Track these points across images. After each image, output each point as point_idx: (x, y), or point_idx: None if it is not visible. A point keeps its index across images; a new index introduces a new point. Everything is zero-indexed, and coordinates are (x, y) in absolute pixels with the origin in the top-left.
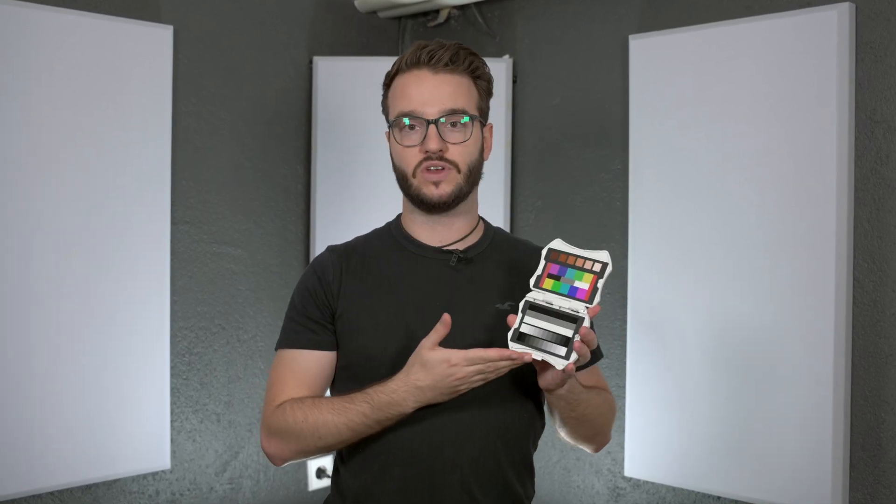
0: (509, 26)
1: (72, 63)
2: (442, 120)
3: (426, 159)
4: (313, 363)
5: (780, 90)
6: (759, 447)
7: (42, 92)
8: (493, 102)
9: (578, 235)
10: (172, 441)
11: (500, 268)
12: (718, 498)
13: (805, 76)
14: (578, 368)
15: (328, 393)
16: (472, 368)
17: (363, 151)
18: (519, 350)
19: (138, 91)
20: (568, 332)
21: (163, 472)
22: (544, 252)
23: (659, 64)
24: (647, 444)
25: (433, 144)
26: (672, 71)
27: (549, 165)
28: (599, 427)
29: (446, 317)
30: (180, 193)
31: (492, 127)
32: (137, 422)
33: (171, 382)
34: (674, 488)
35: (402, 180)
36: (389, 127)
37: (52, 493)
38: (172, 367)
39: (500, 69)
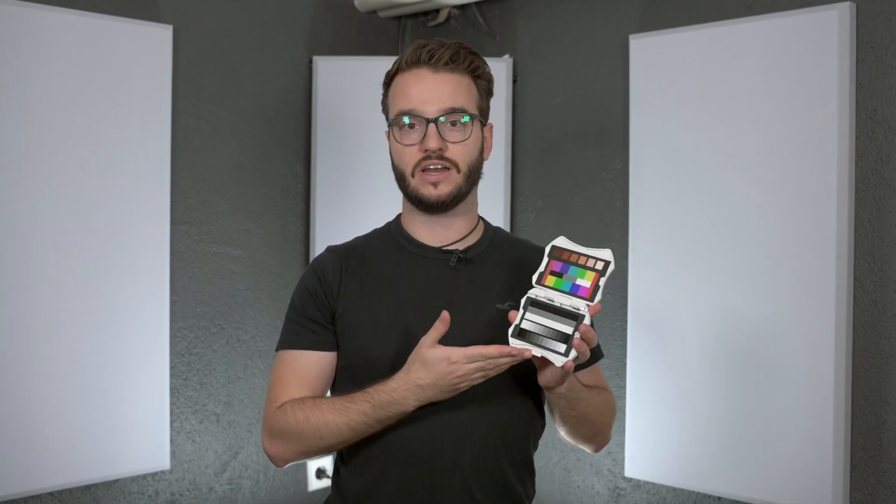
0: (509, 26)
1: (71, 63)
2: (441, 119)
3: (425, 158)
4: (314, 364)
5: (781, 90)
6: (760, 447)
7: (41, 91)
8: (493, 102)
9: (579, 235)
10: (172, 441)
11: (501, 268)
12: (719, 498)
13: (806, 76)
14: (578, 367)
15: (329, 393)
16: (472, 366)
17: (363, 151)
18: (519, 346)
19: (138, 90)
20: (568, 330)
21: (162, 472)
22: (548, 249)
23: (659, 63)
24: (647, 445)
25: (433, 143)
26: (672, 70)
27: (549, 165)
28: (599, 427)
29: (445, 314)
30: (180, 193)
31: (492, 127)
32: (137, 422)
33: (171, 383)
34: (674, 489)
35: (401, 180)
36: (389, 126)
37: (51, 494)
38: (172, 368)
39: (500, 69)
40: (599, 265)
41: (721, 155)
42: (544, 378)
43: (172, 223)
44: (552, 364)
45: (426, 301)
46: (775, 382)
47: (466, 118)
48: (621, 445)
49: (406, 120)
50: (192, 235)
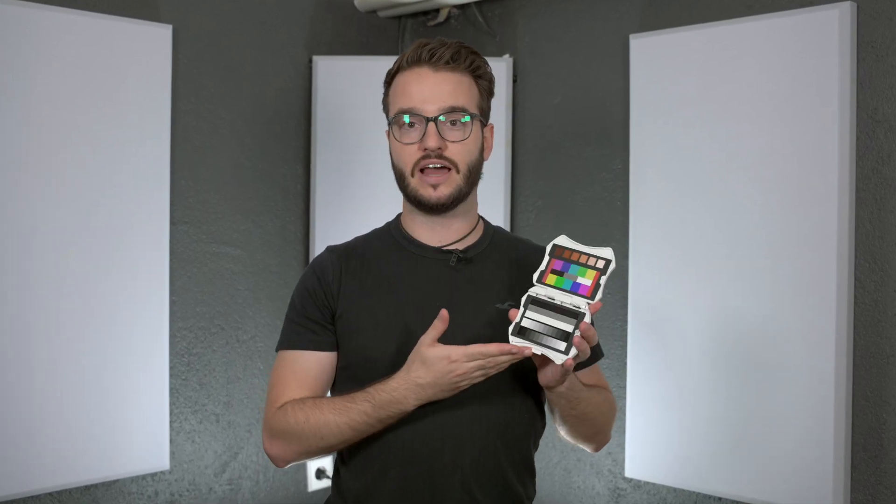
0: (510, 25)
1: (70, 62)
2: (441, 118)
3: (425, 157)
4: (314, 364)
5: (782, 90)
6: (761, 448)
7: (41, 91)
8: (493, 101)
9: (579, 235)
10: (171, 442)
11: (500, 267)
12: (719, 499)
13: (806, 75)
14: (579, 367)
15: (329, 393)
16: (472, 364)
17: (363, 151)
18: (519, 344)
19: (137, 90)
20: (568, 328)
21: (162, 472)
22: (549, 247)
23: (660, 63)
24: (647, 445)
25: (432, 142)
26: (673, 70)
27: (549, 165)
28: (600, 426)
29: (444, 312)
30: (179, 193)
31: (493, 127)
32: (136, 422)
33: (170, 383)
34: (675, 489)
35: (400, 179)
36: (389, 124)
37: (50, 494)
38: (171, 368)
39: (500, 68)
40: (600, 264)
41: (722, 155)
42: (545, 377)
43: (172, 223)
44: (552, 362)
45: (426, 301)
46: (776, 382)
47: (466, 118)
48: (621, 446)
49: (406, 118)
50: (192, 235)
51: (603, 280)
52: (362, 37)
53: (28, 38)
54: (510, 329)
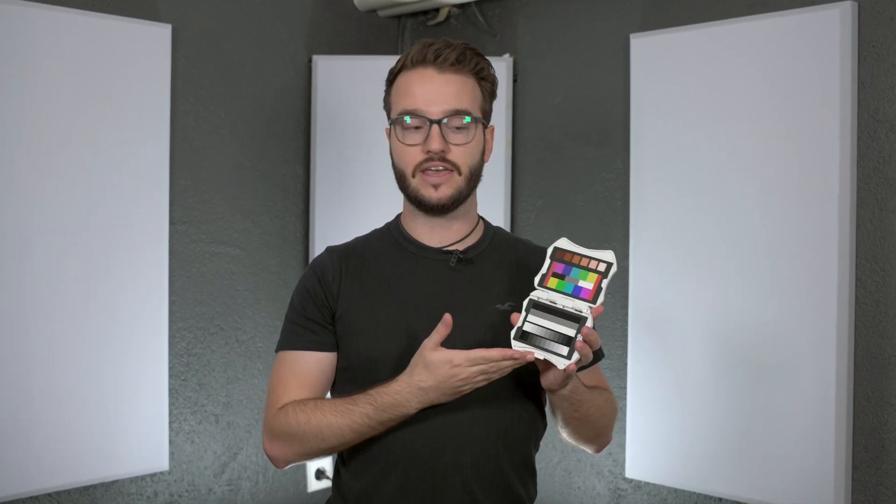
0: (510, 25)
1: (69, 62)
2: (445, 120)
3: (428, 160)
4: (314, 364)
5: (783, 89)
6: (761, 448)
7: (39, 91)
8: (493, 101)
9: (579, 235)
10: (171, 442)
11: (501, 268)
12: (720, 500)
13: (807, 75)
14: (580, 368)
15: (329, 394)
16: (474, 369)
17: (363, 151)
18: (521, 349)
19: (136, 90)
20: (570, 332)
21: (161, 473)
22: (550, 251)
23: (660, 63)
24: (648, 446)
25: (435, 145)
26: (674, 70)
27: (549, 165)
28: (602, 428)
29: (447, 317)
30: (179, 193)
31: (493, 129)
32: (135, 423)
33: (170, 383)
34: (675, 490)
35: (401, 179)
36: (391, 124)
37: (49, 495)
38: (171, 368)
39: (500, 68)
40: (602, 267)
41: (722, 154)
42: (547, 380)
43: (171, 223)
44: (555, 366)
45: (426, 301)
46: (777, 383)
47: (469, 120)
48: (622, 446)
49: (408, 120)
50: (191, 235)
51: (604, 283)
52: (362, 36)
53: (26, 37)
54: (512, 333)
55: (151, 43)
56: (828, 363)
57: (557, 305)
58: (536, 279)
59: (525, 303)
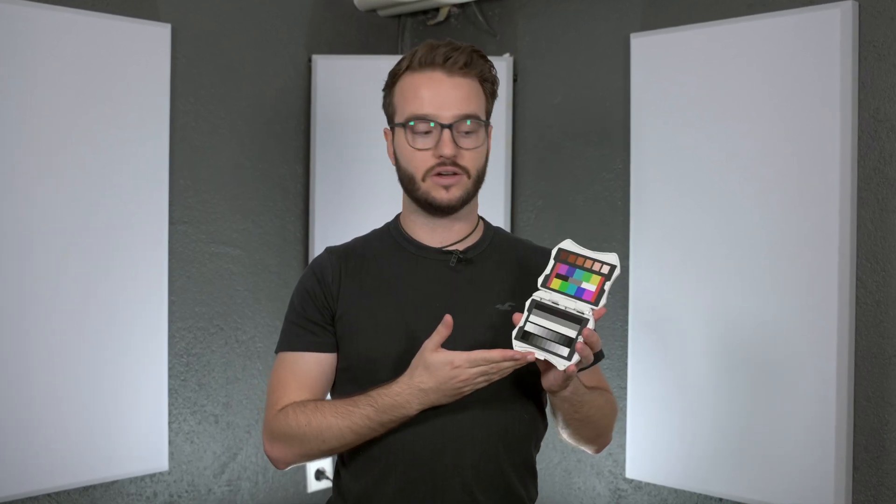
0: (510, 24)
1: (69, 62)
2: (453, 125)
3: (440, 164)
4: (314, 365)
5: (783, 89)
6: (762, 448)
7: (39, 91)
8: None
9: (580, 235)
10: (170, 442)
11: (501, 268)
12: (720, 500)
13: (808, 75)
14: (580, 369)
15: (329, 395)
16: (475, 370)
17: (363, 150)
18: (522, 350)
19: (136, 90)
20: (572, 333)
21: (160, 473)
22: (554, 252)
23: (661, 62)
24: (648, 446)
25: (448, 150)
26: (674, 70)
27: (549, 165)
28: (602, 428)
29: (448, 318)
30: (178, 193)
31: (492, 129)
32: (135, 423)
33: (169, 383)
34: (675, 490)
35: (410, 183)
36: (400, 127)
37: (49, 495)
38: (170, 368)
39: (500, 68)
40: (605, 269)
41: (722, 154)
42: (548, 381)
43: (171, 223)
44: (555, 367)
45: (426, 302)
46: (777, 383)
47: (479, 124)
48: (622, 447)
49: (419, 124)
50: (191, 235)
51: (608, 286)
52: (362, 36)
53: (26, 37)
54: (514, 334)
55: (151, 43)
56: (828, 363)
57: (559, 306)
58: (539, 280)
59: (527, 303)
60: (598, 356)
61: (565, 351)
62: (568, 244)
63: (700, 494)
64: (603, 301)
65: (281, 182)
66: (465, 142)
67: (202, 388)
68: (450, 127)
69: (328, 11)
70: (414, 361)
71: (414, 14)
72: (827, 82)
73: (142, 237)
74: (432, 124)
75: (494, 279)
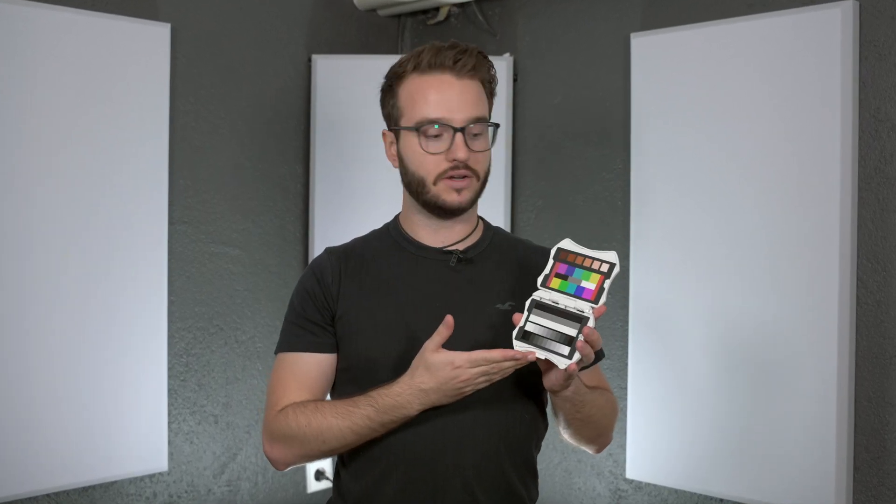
0: (510, 24)
1: (68, 61)
2: (465, 128)
3: (453, 168)
4: (314, 366)
5: (783, 89)
6: (762, 449)
7: (38, 91)
8: (494, 101)
9: (580, 235)
10: (170, 443)
11: (501, 268)
12: (721, 500)
13: (808, 75)
14: (581, 368)
15: (329, 396)
16: (476, 370)
17: (363, 150)
18: (523, 349)
19: (135, 90)
20: (572, 332)
21: (160, 474)
22: (553, 251)
23: (661, 62)
24: (648, 446)
25: (462, 154)
26: (674, 69)
27: (550, 164)
28: (603, 428)
29: (449, 318)
30: (178, 193)
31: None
32: (134, 423)
33: (169, 384)
34: (676, 490)
35: (420, 185)
36: (408, 130)
37: (48, 496)
38: (170, 369)
39: (500, 67)
40: (604, 267)
41: (723, 154)
42: (549, 381)
43: (171, 223)
44: (556, 367)
45: (426, 302)
46: (778, 383)
47: (488, 127)
48: (622, 447)
49: (432, 128)
50: (191, 235)
51: (607, 284)
52: (362, 35)
53: (25, 36)
54: (514, 333)
55: (151, 42)
56: (829, 363)
57: (559, 305)
58: (539, 279)
59: (527, 303)
60: (599, 355)
61: (566, 350)
62: (567, 243)
63: (700, 495)
64: (603, 299)
65: (281, 182)
66: (476, 144)
67: (202, 388)
68: (462, 130)
69: (328, 11)
70: (415, 362)
71: (414, 14)
72: (827, 82)
73: (141, 237)
74: (437, 126)
75: (494, 279)
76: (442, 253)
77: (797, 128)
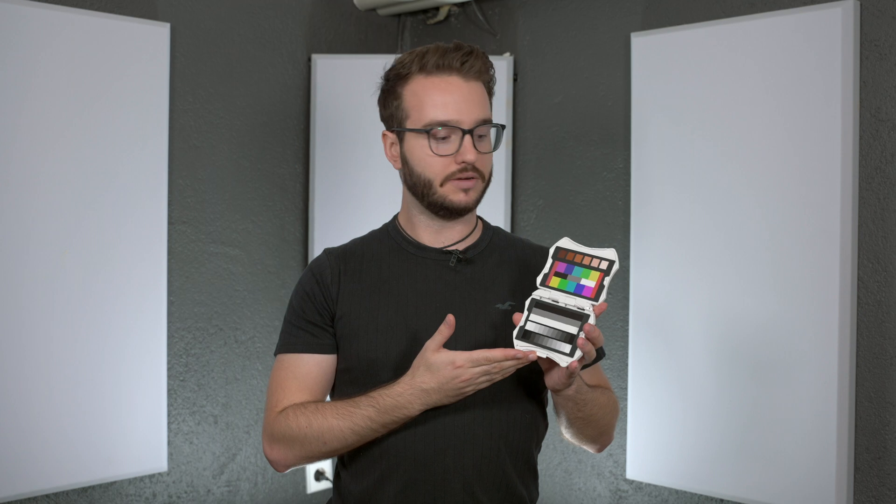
0: (510, 24)
1: (67, 61)
2: (473, 130)
3: (462, 170)
4: (314, 367)
5: (784, 88)
6: (763, 449)
7: (37, 90)
8: (493, 101)
9: (580, 235)
10: (169, 443)
11: (500, 267)
12: (721, 501)
13: (809, 74)
14: (582, 367)
15: (328, 397)
16: (477, 370)
17: (362, 150)
18: (524, 349)
19: (135, 89)
20: (573, 330)
21: (159, 474)
22: (552, 250)
23: (661, 62)
24: (649, 446)
25: (472, 156)
26: (674, 69)
27: (550, 164)
28: (605, 426)
29: (450, 318)
30: (177, 193)
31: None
32: (134, 424)
33: (168, 384)
34: (676, 491)
35: (426, 187)
36: (415, 132)
37: (47, 496)
38: (169, 369)
39: (500, 67)
40: (604, 265)
41: (723, 154)
42: (551, 380)
43: (170, 223)
44: (558, 365)
45: (426, 302)
46: (778, 383)
47: (492, 128)
48: (623, 447)
49: (440, 129)
50: (190, 235)
51: (607, 281)
52: (361, 35)
53: (24, 36)
54: (514, 333)
55: (150, 42)
56: (829, 364)
57: (560, 304)
58: (539, 278)
59: (527, 302)
60: (599, 354)
61: (567, 348)
62: (565, 242)
63: (701, 495)
64: (603, 296)
65: (280, 181)
66: (482, 146)
67: (201, 388)
68: (470, 132)
69: (328, 10)
70: (415, 362)
71: (414, 13)
72: (828, 81)
73: (140, 237)
74: (439, 129)
75: (494, 279)
76: (441, 253)
77: (798, 127)
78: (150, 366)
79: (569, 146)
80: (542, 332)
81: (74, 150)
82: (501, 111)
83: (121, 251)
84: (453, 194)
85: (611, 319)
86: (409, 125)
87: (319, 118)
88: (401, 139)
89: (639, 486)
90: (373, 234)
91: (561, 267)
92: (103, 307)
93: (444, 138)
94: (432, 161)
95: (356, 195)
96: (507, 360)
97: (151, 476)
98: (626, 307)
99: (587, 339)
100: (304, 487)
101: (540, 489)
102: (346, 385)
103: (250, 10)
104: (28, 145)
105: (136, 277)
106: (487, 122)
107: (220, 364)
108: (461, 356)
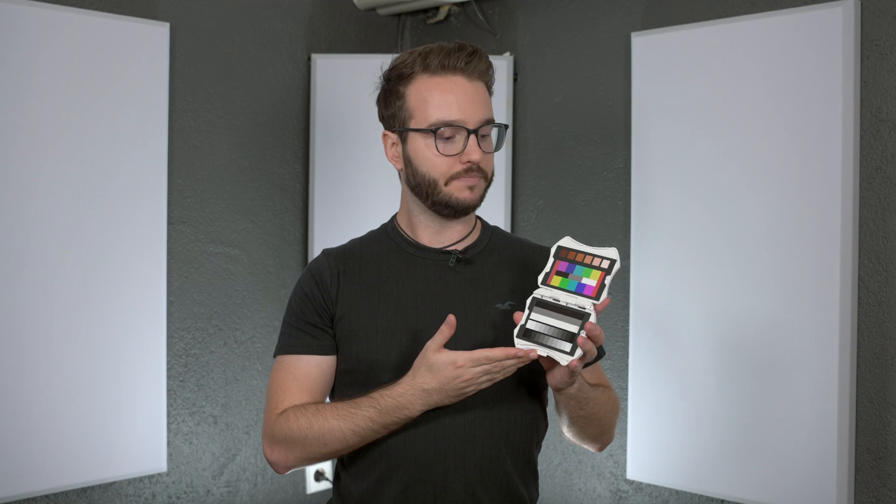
0: (510, 23)
1: (67, 61)
2: (478, 130)
3: (467, 170)
4: (314, 368)
5: (784, 88)
6: (764, 449)
7: (37, 90)
8: (494, 101)
9: (581, 235)
10: (169, 443)
11: (499, 267)
12: (722, 501)
13: (809, 74)
14: (583, 366)
15: (328, 398)
16: (478, 369)
17: (362, 150)
18: (525, 347)
19: (134, 89)
20: (574, 329)
21: (159, 474)
22: (553, 249)
23: (662, 61)
24: (649, 447)
25: (477, 156)
26: (675, 69)
27: (550, 164)
28: (606, 425)
29: (451, 318)
30: (177, 193)
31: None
32: (133, 424)
33: (168, 384)
34: (677, 491)
35: (431, 187)
36: (420, 132)
37: (47, 496)
38: (169, 369)
39: (500, 66)
40: (605, 264)
41: (724, 153)
42: (553, 379)
43: (169, 223)
44: (559, 364)
45: (426, 302)
46: (779, 383)
47: (495, 128)
48: (623, 447)
49: (447, 130)
50: (190, 235)
51: (608, 280)
52: (361, 35)
53: (24, 35)
54: (515, 332)
55: (149, 41)
56: (830, 364)
57: (561, 303)
58: (540, 277)
59: (528, 301)
60: (599, 353)
61: (568, 346)
62: (567, 241)
63: (701, 495)
64: (604, 295)
65: (280, 181)
66: (485, 146)
67: (201, 388)
68: (476, 132)
69: (327, 10)
70: (416, 362)
71: (414, 13)
72: (828, 81)
73: (140, 237)
74: (445, 129)
75: (494, 278)
76: (441, 253)
77: (798, 127)
78: (150, 366)
79: (569, 146)
80: (543, 331)
81: (74, 150)
82: (501, 111)
83: (120, 251)
84: (459, 192)
85: (611, 319)
86: (413, 125)
87: (319, 118)
88: (403, 139)
89: (639, 487)
90: (371, 234)
91: (562, 266)
92: (103, 307)
93: (449, 138)
94: (438, 161)
95: (356, 195)
96: (508, 358)
97: (151, 476)
98: (626, 307)
99: (588, 337)
100: (304, 488)
101: (540, 489)
102: (346, 386)
103: (250, 9)
104: (28, 145)
105: (136, 277)
106: (491, 122)
107: (219, 364)
108: (462, 356)
